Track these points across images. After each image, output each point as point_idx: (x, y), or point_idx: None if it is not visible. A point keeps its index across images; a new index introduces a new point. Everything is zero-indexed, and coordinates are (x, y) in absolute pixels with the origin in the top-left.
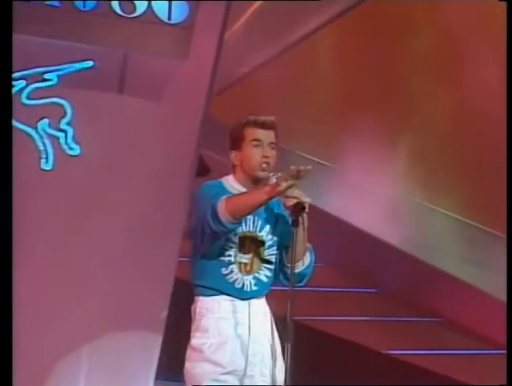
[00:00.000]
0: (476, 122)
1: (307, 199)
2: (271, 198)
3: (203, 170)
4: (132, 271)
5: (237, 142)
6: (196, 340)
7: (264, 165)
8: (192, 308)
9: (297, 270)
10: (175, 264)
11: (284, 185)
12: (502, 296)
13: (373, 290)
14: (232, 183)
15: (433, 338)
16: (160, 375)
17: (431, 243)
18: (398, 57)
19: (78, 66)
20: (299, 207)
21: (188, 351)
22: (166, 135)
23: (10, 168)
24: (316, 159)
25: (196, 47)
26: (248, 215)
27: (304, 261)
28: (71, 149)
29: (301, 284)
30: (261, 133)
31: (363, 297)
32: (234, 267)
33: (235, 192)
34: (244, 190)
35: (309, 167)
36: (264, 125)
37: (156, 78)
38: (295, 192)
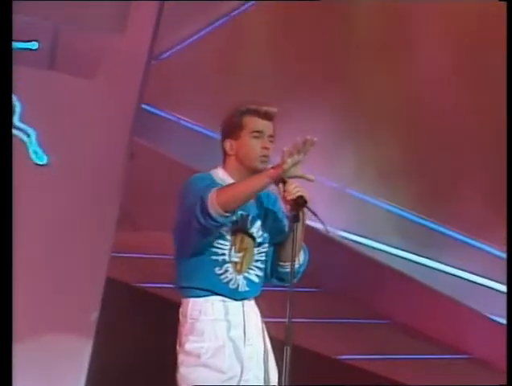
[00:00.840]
0: (421, 110)
1: (306, 194)
2: (274, 180)
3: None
4: (59, 268)
5: (234, 131)
6: (190, 344)
7: (263, 157)
8: (181, 311)
9: (289, 269)
10: (107, 261)
11: (290, 162)
12: (455, 296)
13: (315, 289)
14: (222, 176)
15: (381, 341)
16: (94, 382)
17: (376, 238)
18: (339, 42)
19: (21, 45)
20: (300, 201)
21: (182, 357)
22: (99, 115)
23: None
24: None
25: (133, 20)
26: (241, 205)
27: (299, 259)
28: None
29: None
30: (262, 124)
31: (305, 297)
32: (229, 266)
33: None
34: None
35: (315, 138)
36: (266, 116)
37: (89, 54)
38: (293, 185)
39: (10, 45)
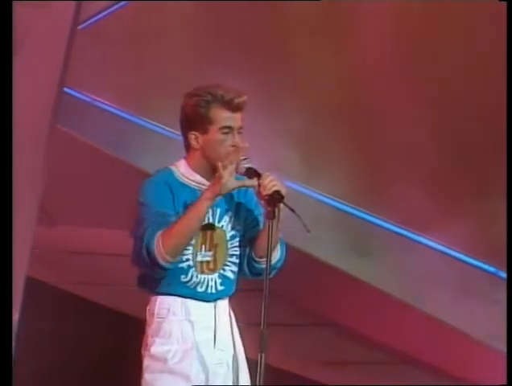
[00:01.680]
0: (362, 98)
1: (283, 188)
2: (215, 199)
3: None
4: None
5: (200, 124)
6: (156, 347)
7: (233, 155)
8: (148, 309)
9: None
10: (27, 258)
11: (227, 175)
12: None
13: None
14: (184, 172)
15: (324, 345)
16: None
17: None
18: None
19: None
20: (276, 197)
21: (147, 361)
22: (18, 98)
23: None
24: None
25: None
26: (190, 242)
27: (276, 254)
28: None
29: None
30: (232, 118)
31: (243, 300)
32: (194, 270)
33: (188, 183)
34: (201, 179)
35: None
36: (237, 108)
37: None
38: (268, 179)
39: (10, 45)
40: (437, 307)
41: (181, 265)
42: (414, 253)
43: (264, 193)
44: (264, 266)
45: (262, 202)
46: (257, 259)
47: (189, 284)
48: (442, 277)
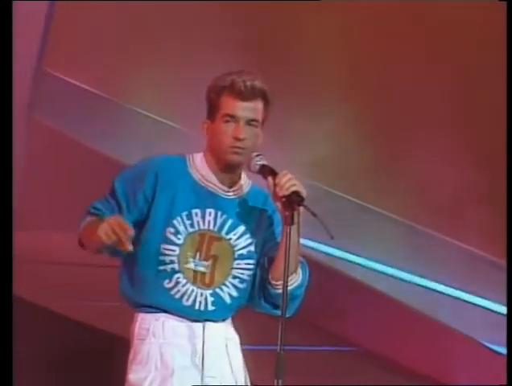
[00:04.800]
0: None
1: (303, 189)
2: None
3: None
4: None
5: (211, 111)
6: (133, 375)
7: (236, 148)
8: (130, 328)
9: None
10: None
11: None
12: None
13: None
14: (197, 163)
15: (349, 373)
16: None
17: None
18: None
19: None
20: (295, 199)
21: None
22: None
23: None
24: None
25: None
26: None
27: (295, 279)
28: None
29: (290, 312)
30: (238, 107)
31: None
32: (181, 277)
33: (198, 177)
34: (212, 177)
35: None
36: (242, 95)
37: None
38: (286, 178)
39: (11, 44)
40: (476, 329)
41: (163, 268)
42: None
43: (281, 194)
44: (279, 292)
45: (279, 205)
46: (272, 282)
47: (173, 292)
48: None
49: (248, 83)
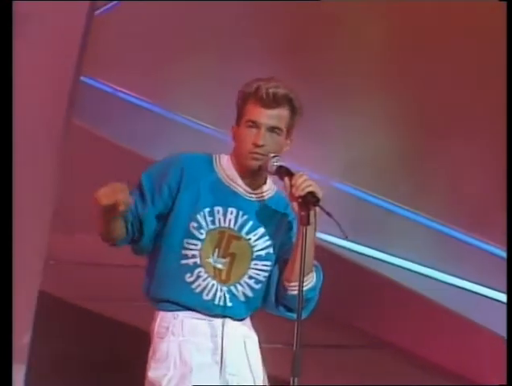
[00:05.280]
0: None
1: (319, 190)
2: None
3: None
4: None
5: (238, 116)
6: (152, 372)
7: (255, 154)
8: (151, 327)
9: (296, 291)
10: (40, 270)
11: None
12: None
13: None
14: (223, 164)
15: (379, 370)
16: None
17: (376, 245)
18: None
19: None
20: (310, 199)
21: None
22: (27, 90)
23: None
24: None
25: None
26: (110, 234)
27: (309, 280)
28: None
29: (304, 313)
30: (261, 114)
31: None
32: (202, 271)
33: (223, 176)
34: (236, 178)
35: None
36: (265, 102)
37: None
38: (301, 179)
39: (11, 43)
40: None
41: (185, 262)
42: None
43: (297, 194)
44: (294, 293)
45: (295, 205)
46: (285, 284)
47: (194, 286)
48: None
49: (271, 90)
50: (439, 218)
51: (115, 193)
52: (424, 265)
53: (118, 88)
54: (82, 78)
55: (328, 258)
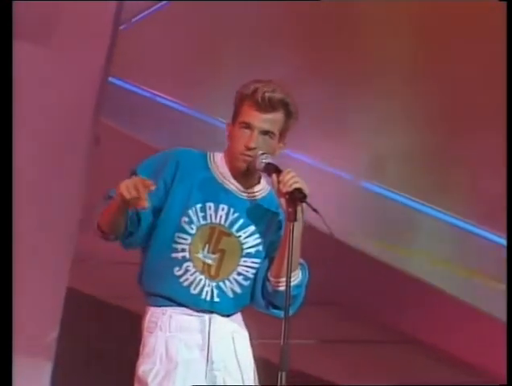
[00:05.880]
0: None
1: (306, 187)
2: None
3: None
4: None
5: (233, 114)
6: (141, 367)
7: (245, 156)
8: (142, 322)
9: (283, 287)
10: (68, 268)
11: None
12: (498, 313)
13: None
14: (217, 161)
15: (408, 367)
16: None
17: (402, 243)
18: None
19: None
20: (297, 195)
21: (135, 382)
22: (56, 92)
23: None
24: None
25: None
26: (115, 227)
27: (296, 276)
28: None
29: (291, 311)
30: (253, 116)
31: (315, 314)
32: (190, 265)
33: (216, 174)
34: (229, 176)
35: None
36: (260, 106)
37: (47, 18)
38: (289, 176)
39: (11, 43)
40: None
41: (174, 255)
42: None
43: (284, 190)
44: (282, 289)
45: (282, 201)
46: (271, 279)
47: (182, 280)
48: None
49: (267, 94)
50: (463, 215)
51: (137, 187)
52: (448, 262)
53: (147, 89)
54: (110, 78)
55: (352, 256)
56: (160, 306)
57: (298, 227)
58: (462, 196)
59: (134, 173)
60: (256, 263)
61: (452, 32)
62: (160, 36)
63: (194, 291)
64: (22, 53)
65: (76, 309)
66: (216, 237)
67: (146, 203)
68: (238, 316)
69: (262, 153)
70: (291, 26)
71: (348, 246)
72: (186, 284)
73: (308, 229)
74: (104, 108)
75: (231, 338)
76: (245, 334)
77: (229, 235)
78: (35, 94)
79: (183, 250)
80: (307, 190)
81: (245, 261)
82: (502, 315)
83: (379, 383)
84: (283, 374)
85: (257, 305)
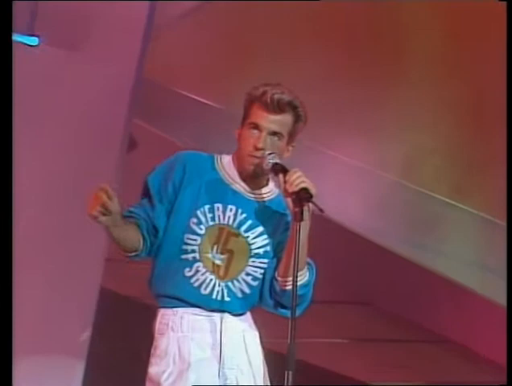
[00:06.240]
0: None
1: (312, 187)
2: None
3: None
4: (40, 277)
5: (243, 116)
6: (152, 368)
7: (253, 157)
8: (153, 324)
9: (290, 287)
10: (101, 269)
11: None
12: None
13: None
14: (225, 163)
15: (437, 366)
16: None
17: (434, 244)
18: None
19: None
20: (304, 195)
21: (146, 383)
22: (90, 94)
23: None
24: None
25: None
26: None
27: (301, 277)
28: None
29: (298, 311)
30: (261, 117)
31: (345, 313)
32: (200, 265)
33: (224, 175)
34: (237, 177)
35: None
36: (268, 107)
37: (78, 22)
38: (295, 175)
39: (11, 43)
40: None
41: (185, 257)
42: None
43: (290, 190)
44: (286, 289)
45: (288, 201)
46: (278, 279)
47: (193, 280)
48: None
49: (276, 96)
50: (497, 216)
51: (97, 201)
52: (483, 262)
53: (176, 89)
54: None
55: (386, 256)
56: (171, 307)
57: (304, 227)
58: (496, 196)
59: (145, 183)
60: (264, 263)
61: (478, 33)
62: (193, 37)
63: (205, 291)
64: (56, 56)
65: (110, 309)
66: (225, 238)
67: (96, 211)
68: (248, 316)
69: (270, 153)
70: (329, 27)
71: (382, 247)
72: (197, 284)
73: (343, 232)
74: (137, 110)
75: (242, 337)
76: (256, 333)
77: (238, 235)
78: (68, 97)
79: (193, 251)
80: (313, 190)
81: (253, 262)
82: None
83: (411, 383)
84: (290, 373)
85: (265, 305)
